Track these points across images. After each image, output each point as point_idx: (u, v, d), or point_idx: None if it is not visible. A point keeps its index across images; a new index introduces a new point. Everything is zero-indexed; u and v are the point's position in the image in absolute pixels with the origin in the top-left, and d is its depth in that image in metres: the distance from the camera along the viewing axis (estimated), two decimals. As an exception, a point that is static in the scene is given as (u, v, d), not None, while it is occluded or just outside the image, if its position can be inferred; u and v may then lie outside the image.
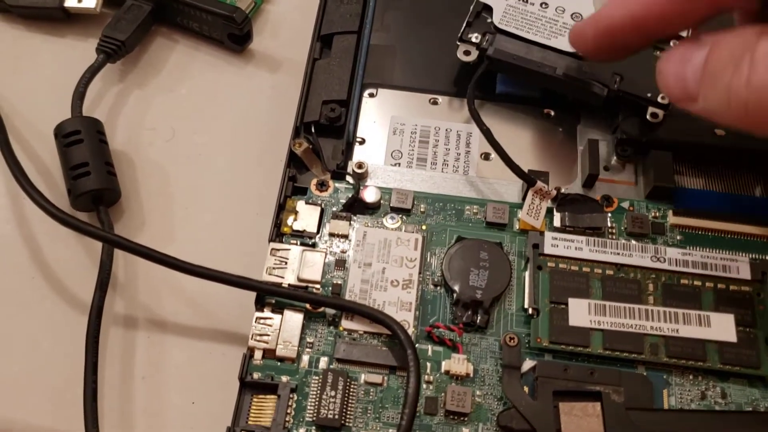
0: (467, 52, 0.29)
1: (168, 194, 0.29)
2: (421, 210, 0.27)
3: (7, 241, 0.27)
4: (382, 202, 0.27)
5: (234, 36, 0.32)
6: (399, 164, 0.28)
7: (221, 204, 0.29)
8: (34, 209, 0.26)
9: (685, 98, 0.20)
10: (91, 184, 0.27)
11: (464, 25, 0.29)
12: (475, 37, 0.29)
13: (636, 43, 0.23)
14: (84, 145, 0.28)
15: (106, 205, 0.28)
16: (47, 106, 0.30)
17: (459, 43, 0.29)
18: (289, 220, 0.26)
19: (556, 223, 0.26)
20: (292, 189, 0.27)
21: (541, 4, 0.30)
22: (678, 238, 0.26)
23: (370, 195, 0.26)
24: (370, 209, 0.27)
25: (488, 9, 0.30)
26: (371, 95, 0.30)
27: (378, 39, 0.32)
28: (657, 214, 0.27)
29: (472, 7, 0.30)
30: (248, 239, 0.28)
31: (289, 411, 0.23)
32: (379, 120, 0.30)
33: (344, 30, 0.31)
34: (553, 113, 0.30)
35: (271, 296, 0.25)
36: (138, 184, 0.29)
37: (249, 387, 0.23)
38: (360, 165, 0.27)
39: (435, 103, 0.30)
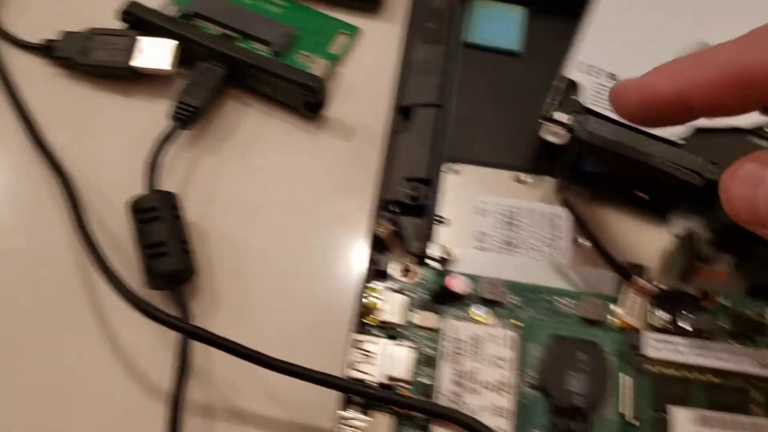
0: (553, 133, 0.28)
1: (242, 270, 0.28)
2: (513, 302, 0.25)
3: (75, 315, 0.26)
4: (470, 291, 0.25)
5: (309, 104, 0.31)
6: (484, 248, 0.27)
7: (297, 283, 0.28)
8: (104, 287, 0.25)
9: (756, 224, 0.19)
10: (167, 265, 0.26)
11: (549, 101, 0.28)
12: (562, 117, 0.28)
13: (684, 118, 0.21)
14: (160, 222, 0.27)
15: (181, 283, 0.27)
16: (116, 170, 0.30)
17: (543, 122, 0.28)
18: (373, 310, 0.25)
19: (656, 321, 0.25)
20: (374, 273, 0.26)
21: (633, 83, 0.28)
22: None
23: (459, 285, 0.25)
24: (458, 300, 0.25)
25: (574, 85, 0.28)
26: (453, 171, 0.29)
27: (460, 111, 0.31)
28: (758, 312, 0.25)
29: (556, 82, 0.28)
30: (327, 324, 0.27)
31: None
32: (462, 198, 0.29)
33: (425, 102, 0.30)
34: (646, 197, 0.28)
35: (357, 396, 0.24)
36: (212, 259, 0.28)
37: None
38: (447, 251, 0.26)
39: (520, 181, 0.29)
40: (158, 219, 0.27)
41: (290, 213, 0.29)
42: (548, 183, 0.29)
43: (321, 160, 0.30)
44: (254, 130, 0.31)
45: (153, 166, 0.28)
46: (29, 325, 0.26)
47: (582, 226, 0.26)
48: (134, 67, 0.31)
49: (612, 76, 0.28)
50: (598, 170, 0.29)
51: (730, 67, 0.19)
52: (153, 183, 0.28)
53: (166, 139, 0.29)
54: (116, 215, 0.28)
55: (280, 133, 0.31)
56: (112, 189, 0.29)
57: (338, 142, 0.31)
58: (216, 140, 0.31)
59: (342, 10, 0.34)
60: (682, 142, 0.27)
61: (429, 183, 0.28)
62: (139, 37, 0.31)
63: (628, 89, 0.22)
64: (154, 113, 0.31)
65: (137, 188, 0.28)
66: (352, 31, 0.33)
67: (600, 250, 0.26)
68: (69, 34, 0.32)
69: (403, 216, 0.27)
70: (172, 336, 0.26)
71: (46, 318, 0.27)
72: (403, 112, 0.30)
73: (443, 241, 0.27)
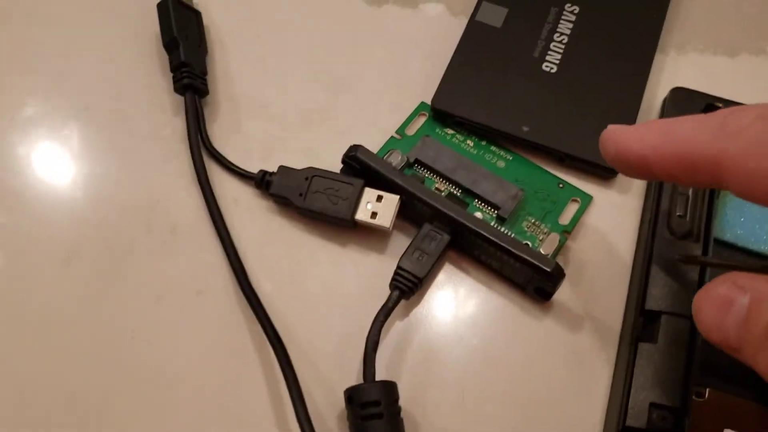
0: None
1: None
2: None
3: None
4: None
5: (541, 290, 0.28)
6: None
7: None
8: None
9: (727, 348, 0.19)
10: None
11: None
12: None
13: (649, 177, 0.22)
14: (383, 421, 0.24)
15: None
16: (328, 323, 0.28)
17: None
18: None
19: None
20: None
21: None
22: None
23: None
24: None
25: None
26: (700, 396, 0.26)
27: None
28: None
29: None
30: None
31: None
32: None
33: (676, 312, 0.27)
34: None
35: None
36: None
37: None
38: None
39: (778, 421, 0.25)
40: (381, 417, 0.24)
41: (508, 407, 0.26)
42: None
43: (543, 351, 0.28)
44: (472, 304, 0.29)
45: (373, 345, 0.26)
46: None
47: None
48: (356, 220, 0.29)
49: None
50: None
51: (683, 146, 0.20)
52: (372, 370, 0.25)
53: (387, 310, 0.27)
54: (328, 393, 0.26)
55: (501, 313, 0.28)
56: (323, 356, 0.27)
57: (564, 332, 0.28)
58: (429, 310, 0.28)
59: (572, 173, 0.31)
60: None
61: (680, 413, 0.25)
62: (365, 188, 0.29)
63: (610, 138, 0.22)
64: (369, 269, 0.29)
65: (351, 360, 0.26)
66: (585, 199, 0.31)
67: None
68: (285, 171, 0.30)
69: (644, 444, 0.24)
70: None
71: None
72: (647, 316, 0.27)
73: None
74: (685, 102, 0.32)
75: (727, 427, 0.25)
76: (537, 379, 0.27)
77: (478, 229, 0.28)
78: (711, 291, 0.20)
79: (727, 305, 0.19)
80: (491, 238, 0.27)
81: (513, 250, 0.27)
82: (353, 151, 0.29)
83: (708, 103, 0.31)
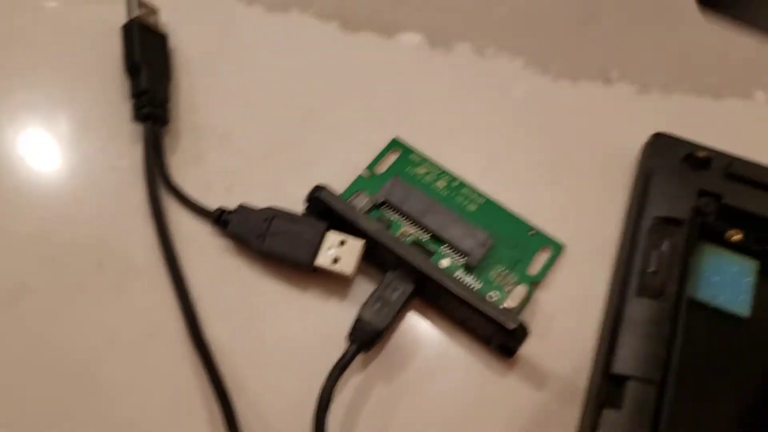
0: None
1: None
2: None
3: None
4: None
5: (504, 347, 0.27)
6: None
7: None
8: None
9: None
10: None
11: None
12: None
13: None
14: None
15: None
16: (279, 386, 0.26)
17: None
18: None
19: None
20: None
21: None
22: None
23: None
24: None
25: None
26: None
27: (678, 386, 0.26)
28: None
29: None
30: None
31: None
32: None
33: (643, 377, 0.26)
34: None
35: None
36: None
37: None
38: None
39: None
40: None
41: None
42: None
43: (505, 409, 0.27)
44: (434, 357, 0.28)
45: (324, 404, 0.25)
46: None
47: None
48: (316, 266, 0.27)
49: None
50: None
51: None
52: (322, 429, 0.24)
53: (343, 364, 0.26)
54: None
55: (462, 368, 0.27)
56: (275, 411, 0.25)
57: (529, 393, 0.27)
58: (391, 364, 0.27)
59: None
60: None
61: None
62: (327, 231, 0.28)
63: None
64: (328, 316, 0.28)
65: (304, 417, 0.25)
66: (556, 248, 0.29)
67: None
68: (245, 210, 0.29)
69: None
70: None
71: None
72: (612, 380, 0.26)
73: None
74: (665, 149, 0.31)
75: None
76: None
77: (441, 281, 0.27)
78: None
79: None
80: (454, 291, 0.26)
81: (476, 305, 0.26)
82: (316, 192, 0.28)
83: (688, 153, 0.30)
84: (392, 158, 0.31)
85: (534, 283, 0.29)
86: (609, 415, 0.25)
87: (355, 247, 0.28)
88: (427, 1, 0.36)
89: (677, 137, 0.31)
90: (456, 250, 0.29)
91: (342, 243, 0.28)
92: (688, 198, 0.29)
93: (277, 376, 0.27)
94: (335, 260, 0.28)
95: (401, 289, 0.27)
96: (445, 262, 0.29)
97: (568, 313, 0.28)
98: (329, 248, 0.28)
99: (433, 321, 0.28)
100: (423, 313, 0.28)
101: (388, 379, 0.27)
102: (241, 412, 0.25)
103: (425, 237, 0.29)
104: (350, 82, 0.33)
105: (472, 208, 0.30)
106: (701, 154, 0.30)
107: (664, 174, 0.30)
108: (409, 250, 0.27)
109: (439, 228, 0.29)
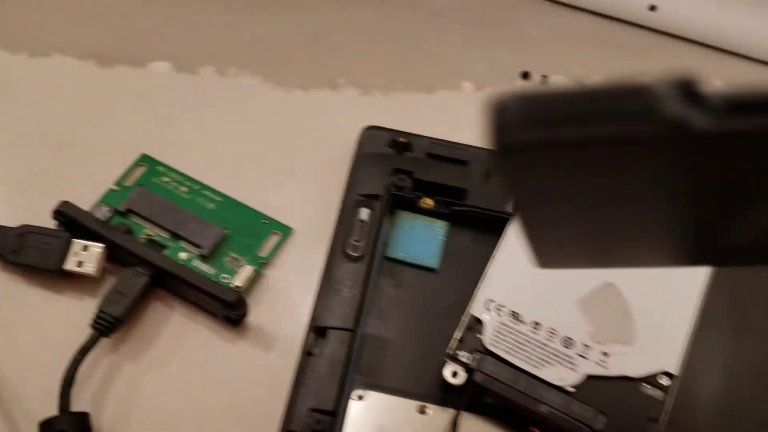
0: (455, 374, 0.29)
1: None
2: None
3: None
4: None
5: (229, 318, 0.32)
6: (381, 485, 0.28)
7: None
8: None
9: None
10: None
11: (455, 337, 0.29)
12: (464, 356, 0.29)
13: None
14: (67, 449, 0.27)
15: None
16: (37, 376, 0.30)
17: (447, 360, 0.29)
18: None
19: None
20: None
21: (533, 325, 0.30)
22: None
23: None
24: None
25: (480, 323, 0.30)
26: (359, 397, 0.30)
27: (373, 329, 0.32)
28: None
29: (464, 318, 0.30)
30: None
31: None
32: (363, 429, 0.30)
33: (340, 326, 0.31)
34: (539, 434, 0.30)
35: None
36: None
37: None
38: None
39: (423, 412, 0.30)
40: (66, 445, 0.27)
41: (205, 422, 0.30)
42: (449, 415, 0.30)
43: (239, 371, 0.32)
44: (176, 336, 0.32)
45: (67, 382, 0.29)
46: None
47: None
48: (65, 270, 0.32)
49: (515, 315, 0.30)
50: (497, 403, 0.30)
51: None
52: (66, 402, 0.29)
53: (84, 349, 0.30)
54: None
55: (200, 340, 0.32)
56: (29, 398, 0.30)
57: (257, 352, 0.32)
58: (137, 347, 0.32)
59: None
60: (572, 390, 0.28)
61: (334, 415, 0.29)
62: (71, 240, 0.32)
63: None
64: (81, 309, 0.32)
65: (54, 398, 0.29)
66: (285, 231, 0.35)
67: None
68: (2, 229, 0.33)
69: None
70: None
71: None
72: (318, 332, 0.31)
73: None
74: (374, 139, 0.36)
75: (382, 423, 0.30)
76: (232, 396, 0.31)
77: (170, 270, 0.31)
78: None
79: None
80: (180, 275, 0.31)
81: (199, 285, 0.31)
82: (61, 206, 0.33)
83: (392, 138, 0.36)
84: (140, 172, 0.36)
85: (263, 263, 0.34)
86: (311, 361, 0.30)
87: (96, 250, 0.32)
88: (176, 33, 0.41)
89: (385, 128, 0.37)
90: (191, 243, 0.34)
91: (85, 248, 0.32)
92: (385, 176, 0.35)
93: (35, 365, 0.31)
94: (80, 264, 0.32)
95: (138, 281, 0.32)
96: (183, 255, 0.34)
97: (293, 285, 0.34)
98: (75, 254, 0.32)
99: (173, 307, 0.33)
100: (165, 301, 0.33)
101: (135, 359, 0.32)
102: (5, 398, 0.29)
103: (165, 236, 0.34)
104: (105, 110, 0.38)
105: (212, 206, 0.35)
106: (401, 139, 0.36)
107: (371, 159, 0.36)
108: (142, 248, 0.32)
109: (175, 227, 0.34)
